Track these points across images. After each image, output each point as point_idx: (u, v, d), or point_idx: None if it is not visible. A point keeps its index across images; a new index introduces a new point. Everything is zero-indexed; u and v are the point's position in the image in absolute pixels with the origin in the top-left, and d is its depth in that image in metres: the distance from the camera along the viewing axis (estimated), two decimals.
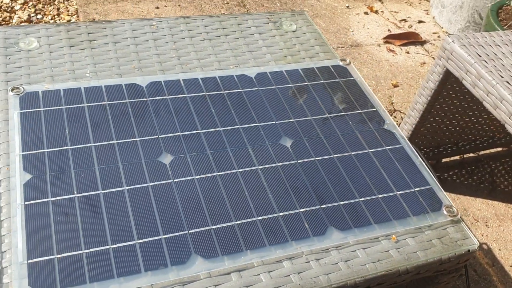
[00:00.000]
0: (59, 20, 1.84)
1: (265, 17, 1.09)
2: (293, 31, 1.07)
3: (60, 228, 0.65)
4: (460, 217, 0.78)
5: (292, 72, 0.96)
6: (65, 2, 1.92)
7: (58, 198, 0.68)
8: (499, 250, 1.37)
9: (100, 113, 0.80)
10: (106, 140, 0.77)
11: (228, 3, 2.08)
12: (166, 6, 1.97)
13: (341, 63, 0.99)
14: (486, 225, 1.42)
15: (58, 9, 1.88)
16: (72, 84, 0.84)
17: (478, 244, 0.76)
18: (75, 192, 0.69)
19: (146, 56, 0.94)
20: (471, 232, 0.77)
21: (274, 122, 0.85)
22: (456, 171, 1.56)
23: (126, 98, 0.84)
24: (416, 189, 0.79)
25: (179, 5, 1.99)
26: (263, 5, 2.10)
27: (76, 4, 1.91)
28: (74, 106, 0.80)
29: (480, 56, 1.14)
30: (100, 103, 0.82)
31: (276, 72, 0.95)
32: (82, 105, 0.81)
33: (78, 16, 1.85)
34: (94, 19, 1.85)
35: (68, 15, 1.85)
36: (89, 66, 0.89)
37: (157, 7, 1.95)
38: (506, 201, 1.50)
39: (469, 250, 0.75)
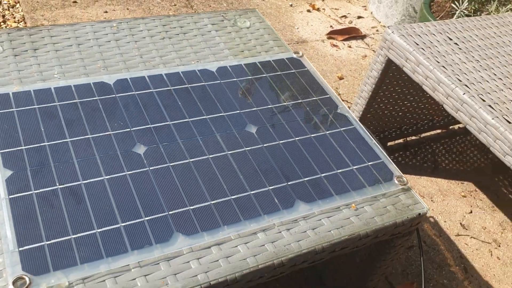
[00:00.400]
0: (6, 27, 1.82)
1: (220, 15, 1.15)
2: (247, 28, 1.14)
3: (46, 217, 0.68)
4: (410, 185, 0.87)
5: (250, 65, 1.03)
6: (11, 9, 1.90)
7: (41, 190, 0.71)
8: (445, 222, 1.50)
9: (72, 110, 0.84)
10: (81, 135, 0.80)
11: (175, 5, 2.12)
12: (115, 10, 1.99)
13: (294, 56, 1.07)
14: (432, 200, 1.55)
15: (3, 16, 1.85)
16: (41, 85, 0.87)
17: (427, 208, 0.86)
18: (57, 184, 0.72)
19: (110, 56, 0.98)
20: (420, 198, 0.87)
21: (238, 111, 0.92)
22: (401, 153, 1.69)
23: (96, 95, 0.88)
24: (369, 163, 0.88)
25: (127, 9, 2.02)
26: (210, 6, 2.16)
27: (22, 11, 1.90)
28: (47, 105, 0.83)
29: (417, 44, 1.25)
30: (72, 102, 0.85)
31: (235, 66, 1.02)
32: (54, 104, 0.84)
33: (25, 23, 1.84)
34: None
35: (15, 22, 1.83)
36: (56, 68, 0.92)
37: (106, 11, 1.97)
38: (447, 177, 1.63)
39: (419, 214, 0.84)
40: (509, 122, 1.07)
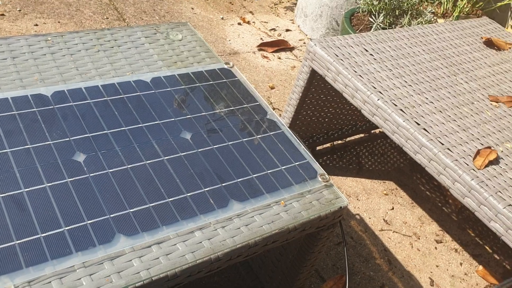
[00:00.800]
0: None
1: (152, 28, 1.21)
2: (180, 40, 1.20)
3: None
4: (331, 182, 0.97)
5: (183, 75, 1.09)
6: None
7: None
8: (369, 218, 1.62)
9: (11, 122, 0.86)
10: (21, 145, 0.83)
11: (108, 18, 2.14)
12: (46, 23, 1.98)
13: (225, 66, 1.15)
14: (357, 199, 1.67)
15: None
16: None
17: (347, 202, 0.95)
18: None
19: (46, 69, 1.00)
20: (341, 193, 0.96)
21: (173, 119, 0.98)
22: (328, 156, 1.80)
23: (34, 107, 0.90)
24: (296, 163, 0.97)
25: (58, 22, 2.01)
26: (143, 19, 2.20)
27: None
28: None
29: (337, 55, 1.37)
30: (10, 113, 0.87)
31: (169, 76, 1.07)
32: None
33: None
34: None
35: None
36: None
37: (36, 25, 1.95)
38: (371, 178, 1.77)
39: (341, 207, 0.94)
40: (418, 124, 1.20)
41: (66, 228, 0.74)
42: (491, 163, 1.17)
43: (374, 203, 1.67)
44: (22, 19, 1.96)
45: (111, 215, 0.77)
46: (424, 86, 1.36)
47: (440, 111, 1.28)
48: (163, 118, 0.97)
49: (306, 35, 2.46)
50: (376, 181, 1.76)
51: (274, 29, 2.44)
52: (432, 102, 1.30)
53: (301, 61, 2.27)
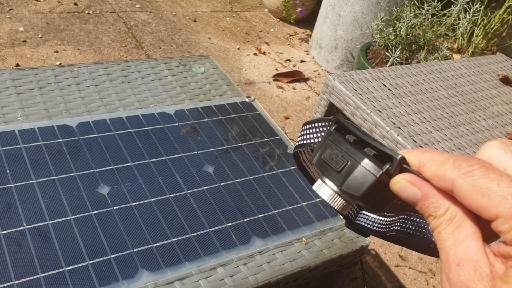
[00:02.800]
0: None
1: (175, 61, 1.23)
2: (202, 73, 1.21)
3: (15, 257, 0.70)
4: None
5: (206, 108, 1.10)
6: None
7: (8, 231, 0.73)
8: (385, 254, 1.60)
9: (37, 152, 0.87)
10: (47, 176, 0.83)
11: (126, 46, 2.17)
12: (66, 50, 2.02)
13: (247, 100, 1.16)
14: None
15: None
16: (5, 128, 0.89)
17: (369, 240, 0.95)
18: (25, 224, 0.75)
19: (71, 99, 1.02)
20: None
21: (196, 152, 0.98)
22: None
23: (59, 138, 0.91)
24: (317, 199, 0.97)
25: (78, 49, 2.05)
26: (160, 47, 2.23)
27: None
28: (11, 147, 0.86)
29: (356, 90, 1.38)
30: (36, 144, 0.88)
31: (192, 109, 1.08)
32: (19, 146, 0.87)
33: None
34: None
35: None
36: (19, 110, 0.95)
37: (56, 51, 1.99)
38: (388, 212, 1.75)
39: (362, 246, 0.93)
40: None
41: (90, 262, 0.73)
42: None
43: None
44: (43, 46, 2.00)
45: (135, 250, 0.77)
46: (442, 122, 1.36)
47: (460, 149, 1.28)
48: (186, 151, 0.98)
49: (321, 66, 2.48)
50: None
51: (289, 60, 2.46)
52: (451, 139, 1.30)
53: (315, 92, 2.29)
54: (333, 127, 0.36)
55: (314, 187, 0.36)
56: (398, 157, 0.31)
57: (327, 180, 0.35)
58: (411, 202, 0.31)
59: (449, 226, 0.29)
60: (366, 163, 0.33)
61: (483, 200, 0.27)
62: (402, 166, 0.32)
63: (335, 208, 0.35)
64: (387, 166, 0.32)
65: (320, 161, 0.35)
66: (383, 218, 0.38)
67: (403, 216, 0.36)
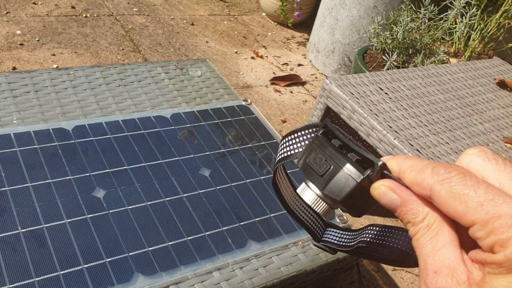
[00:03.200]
0: None
1: (172, 64, 1.23)
2: (199, 76, 1.21)
3: (9, 261, 0.70)
4: (350, 223, 0.96)
5: (202, 112, 1.10)
6: None
7: (3, 234, 0.73)
8: None
9: (33, 156, 0.87)
10: (42, 180, 0.83)
11: (123, 49, 2.17)
12: (63, 53, 2.01)
13: (244, 103, 1.16)
14: None
15: None
16: (0, 131, 0.89)
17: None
18: (19, 228, 0.75)
19: (67, 103, 1.01)
20: None
21: (192, 155, 0.98)
22: None
23: (55, 141, 0.91)
24: None
25: (75, 52, 2.05)
26: (158, 51, 2.23)
27: None
28: (7, 150, 0.85)
29: (353, 94, 1.38)
30: (32, 147, 0.88)
31: (188, 112, 1.08)
32: (14, 149, 0.86)
33: None
34: None
35: None
36: (15, 114, 0.94)
37: (54, 54, 1.99)
38: (383, 215, 1.75)
39: None
40: None
41: (85, 265, 0.73)
42: None
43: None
44: (40, 49, 2.00)
45: (130, 253, 0.77)
46: (439, 126, 1.36)
47: (456, 152, 1.28)
48: (182, 155, 0.97)
49: (318, 70, 2.49)
50: (388, 219, 1.74)
51: (286, 64, 2.46)
52: (447, 143, 1.30)
53: (313, 96, 2.29)
54: (320, 131, 0.36)
55: (299, 190, 0.36)
56: (379, 163, 0.32)
57: (310, 184, 0.35)
58: (390, 208, 0.31)
59: (427, 233, 0.29)
60: (348, 168, 0.33)
61: (460, 207, 0.27)
62: (383, 172, 0.32)
63: (318, 212, 0.35)
64: (368, 172, 0.32)
65: (305, 165, 0.36)
66: (349, 232, 0.38)
67: (371, 228, 0.36)
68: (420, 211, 0.29)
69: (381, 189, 0.31)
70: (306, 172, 0.35)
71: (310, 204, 0.35)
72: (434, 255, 0.28)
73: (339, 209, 0.39)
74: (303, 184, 0.36)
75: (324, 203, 0.35)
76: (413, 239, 0.30)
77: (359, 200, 0.33)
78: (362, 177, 0.32)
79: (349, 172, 0.33)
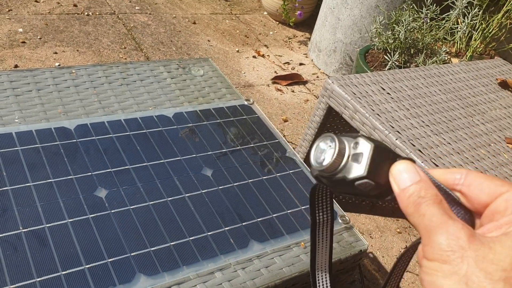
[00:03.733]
0: None
1: (175, 63, 1.22)
2: (201, 76, 1.21)
3: (10, 261, 0.70)
4: (352, 224, 0.96)
5: (205, 111, 1.09)
6: None
7: (4, 234, 0.73)
8: (383, 257, 1.60)
9: (34, 155, 0.87)
10: (44, 179, 0.83)
11: (125, 48, 2.17)
12: (64, 52, 2.01)
13: (246, 103, 1.15)
14: (370, 237, 1.65)
15: None
16: (2, 130, 0.89)
17: (368, 244, 0.94)
18: (21, 228, 0.74)
19: (69, 101, 1.01)
20: (361, 236, 0.95)
21: (194, 155, 0.98)
22: None
23: (57, 140, 0.91)
24: None
25: (77, 50, 2.04)
26: (160, 50, 2.23)
27: None
28: (8, 149, 0.85)
29: (354, 94, 1.38)
30: (33, 146, 0.88)
31: (191, 112, 1.08)
32: (16, 148, 0.86)
33: None
34: None
35: None
36: (16, 112, 0.94)
37: (55, 52, 1.98)
38: (384, 215, 1.75)
39: (361, 250, 0.92)
40: (437, 165, 1.20)
41: (87, 266, 0.73)
42: None
43: (387, 241, 1.65)
44: (42, 47, 1.99)
45: (132, 254, 0.77)
46: (441, 126, 1.36)
47: (458, 153, 1.28)
48: (185, 154, 0.97)
49: (319, 69, 2.48)
50: (389, 219, 1.74)
51: (288, 63, 2.46)
52: (449, 143, 1.30)
53: (314, 95, 2.29)
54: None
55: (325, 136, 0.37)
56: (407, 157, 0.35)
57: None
58: (404, 183, 0.33)
59: (436, 203, 0.32)
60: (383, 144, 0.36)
61: (493, 184, 0.32)
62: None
63: (334, 151, 0.35)
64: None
65: (339, 137, 0.37)
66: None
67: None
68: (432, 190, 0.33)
69: (407, 163, 0.34)
70: (338, 138, 0.36)
71: (334, 140, 0.36)
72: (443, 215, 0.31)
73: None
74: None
75: (346, 156, 0.35)
76: (419, 205, 0.32)
77: (381, 167, 0.34)
78: (396, 157, 0.35)
79: (385, 146, 0.35)
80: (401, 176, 0.33)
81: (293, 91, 2.26)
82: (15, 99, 0.97)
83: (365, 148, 0.35)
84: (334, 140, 0.36)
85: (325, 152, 0.36)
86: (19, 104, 0.96)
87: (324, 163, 0.36)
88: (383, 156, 0.34)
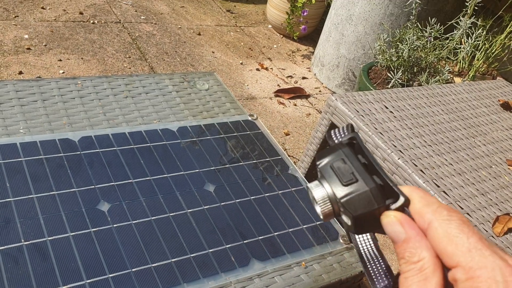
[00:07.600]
0: None
1: (180, 77, 1.23)
2: (206, 90, 1.22)
3: (11, 273, 0.70)
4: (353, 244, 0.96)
5: (209, 126, 1.10)
6: None
7: (6, 247, 0.73)
8: None
9: (38, 166, 0.87)
10: (47, 191, 0.83)
11: (130, 57, 2.18)
12: (69, 59, 2.02)
13: (249, 118, 1.16)
14: None
15: None
16: (7, 140, 0.89)
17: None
18: (23, 240, 0.74)
19: (74, 113, 1.02)
20: None
21: (197, 170, 0.98)
22: None
23: (61, 152, 0.91)
24: (317, 223, 0.96)
25: (82, 58, 2.05)
26: (164, 60, 2.24)
27: None
28: (12, 160, 0.85)
29: (358, 111, 1.38)
30: (37, 157, 0.88)
31: (195, 126, 1.08)
32: (20, 159, 0.86)
33: None
34: None
35: None
36: (21, 123, 0.94)
37: (60, 60, 1.99)
38: (383, 233, 1.75)
39: (361, 271, 0.92)
40: (438, 186, 1.20)
41: (88, 281, 0.73)
42: (510, 230, 1.16)
43: (386, 258, 1.65)
44: (47, 54, 2.00)
45: (133, 269, 0.77)
46: (443, 147, 1.36)
47: (459, 174, 1.28)
48: (188, 169, 0.97)
49: (322, 83, 2.49)
50: (388, 237, 1.74)
51: (291, 76, 2.47)
52: (451, 164, 1.30)
53: (316, 109, 2.29)
54: (346, 141, 0.37)
55: (310, 184, 0.37)
56: (403, 200, 0.33)
57: (327, 185, 0.36)
58: (392, 238, 0.33)
59: (417, 275, 0.31)
60: (374, 190, 0.34)
61: (450, 247, 0.29)
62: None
63: (320, 211, 0.36)
64: (390, 201, 0.34)
65: (327, 167, 0.36)
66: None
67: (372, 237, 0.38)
68: (418, 253, 0.31)
69: (391, 219, 0.33)
70: (327, 174, 0.36)
71: (316, 200, 0.36)
72: None
73: (342, 229, 0.40)
74: (317, 181, 0.37)
75: (331, 207, 0.36)
76: (402, 276, 0.31)
77: (368, 221, 0.35)
78: (383, 205, 0.34)
79: (373, 195, 0.34)
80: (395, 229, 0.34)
81: (295, 105, 2.27)
82: (20, 109, 0.97)
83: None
84: (311, 192, 0.36)
85: (315, 204, 0.37)
86: (24, 114, 0.97)
87: (321, 217, 0.37)
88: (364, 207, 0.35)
